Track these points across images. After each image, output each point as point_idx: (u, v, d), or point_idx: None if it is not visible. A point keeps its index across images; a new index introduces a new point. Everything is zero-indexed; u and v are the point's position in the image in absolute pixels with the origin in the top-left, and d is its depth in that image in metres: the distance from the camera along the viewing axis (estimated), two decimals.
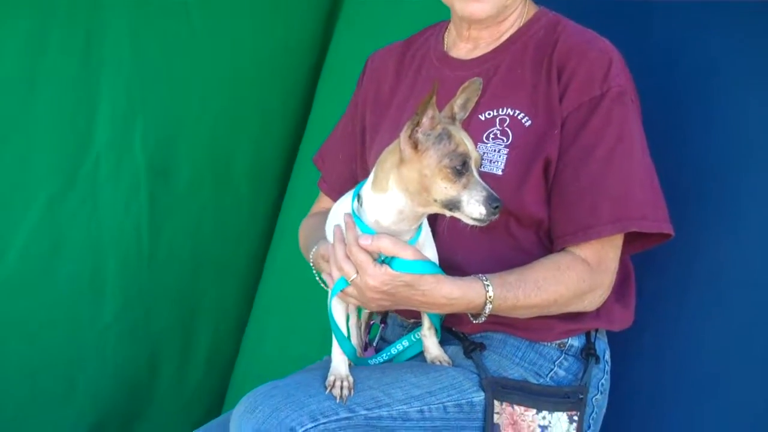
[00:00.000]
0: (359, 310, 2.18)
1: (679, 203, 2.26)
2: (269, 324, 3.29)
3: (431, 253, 2.02)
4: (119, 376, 3.17)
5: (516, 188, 2.09)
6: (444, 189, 1.84)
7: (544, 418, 2.08)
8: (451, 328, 2.18)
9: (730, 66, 2.42)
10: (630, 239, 2.15)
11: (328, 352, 2.05)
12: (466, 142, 1.87)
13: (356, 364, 2.09)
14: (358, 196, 1.97)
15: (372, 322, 2.29)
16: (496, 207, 1.84)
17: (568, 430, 2.08)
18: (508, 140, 2.11)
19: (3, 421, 3.06)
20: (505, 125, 2.12)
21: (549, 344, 2.15)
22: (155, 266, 3.18)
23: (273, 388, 1.95)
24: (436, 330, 2.12)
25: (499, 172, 2.09)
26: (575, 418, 2.09)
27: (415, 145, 1.86)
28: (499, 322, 2.12)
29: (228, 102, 3.22)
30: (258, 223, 3.28)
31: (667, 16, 2.56)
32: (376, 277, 1.91)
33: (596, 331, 2.20)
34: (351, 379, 1.99)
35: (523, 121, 2.12)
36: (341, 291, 1.98)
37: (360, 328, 2.24)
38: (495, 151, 2.10)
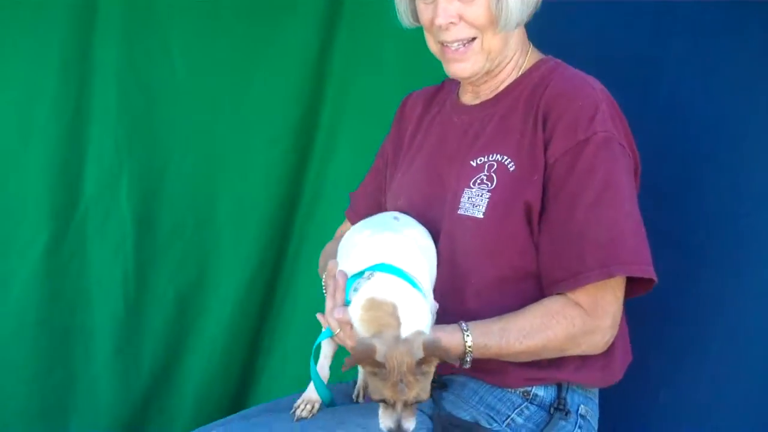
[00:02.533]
0: None
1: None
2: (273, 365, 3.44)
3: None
4: (112, 421, 3.29)
5: (495, 231, 2.17)
6: (371, 385, 1.96)
7: None
8: None
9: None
10: None
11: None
12: (392, 390, 1.91)
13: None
14: (356, 285, 2.06)
15: None
16: None
17: None
18: (492, 185, 2.19)
19: None
20: (492, 171, 2.20)
21: (513, 391, 2.19)
22: (142, 312, 3.32)
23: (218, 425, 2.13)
24: None
25: (480, 215, 2.17)
26: None
27: None
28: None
29: (210, 149, 3.34)
30: (240, 266, 3.39)
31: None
32: (352, 338, 2.05)
33: (568, 383, 2.22)
34: (317, 405, 2.14)
35: (508, 166, 2.19)
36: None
37: None
38: (479, 195, 2.19)
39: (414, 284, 2.02)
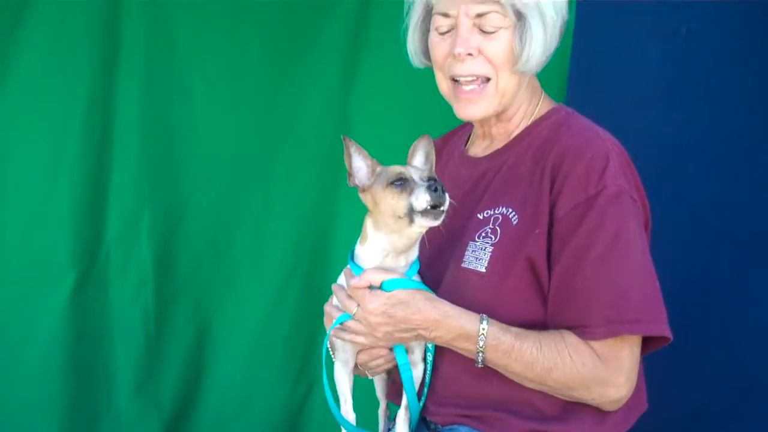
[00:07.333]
0: (391, 408, 2.34)
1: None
2: None
3: None
4: None
5: (497, 285, 2.14)
6: (396, 203, 2.07)
7: None
8: (425, 417, 2.24)
9: None
10: None
11: None
12: (402, 168, 2.12)
13: None
14: (354, 253, 2.19)
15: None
16: (437, 189, 2.02)
17: None
18: (495, 238, 2.16)
19: None
20: (497, 224, 2.18)
21: None
22: (162, 351, 3.38)
23: None
24: (411, 417, 2.22)
25: (483, 270, 2.15)
26: None
27: (362, 190, 2.15)
28: (466, 415, 2.18)
29: (229, 188, 3.39)
30: (259, 304, 3.43)
31: None
32: (373, 300, 2.10)
33: None
34: None
35: (512, 219, 2.16)
36: (346, 332, 2.18)
37: (385, 418, 2.43)
38: (482, 249, 2.17)
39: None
